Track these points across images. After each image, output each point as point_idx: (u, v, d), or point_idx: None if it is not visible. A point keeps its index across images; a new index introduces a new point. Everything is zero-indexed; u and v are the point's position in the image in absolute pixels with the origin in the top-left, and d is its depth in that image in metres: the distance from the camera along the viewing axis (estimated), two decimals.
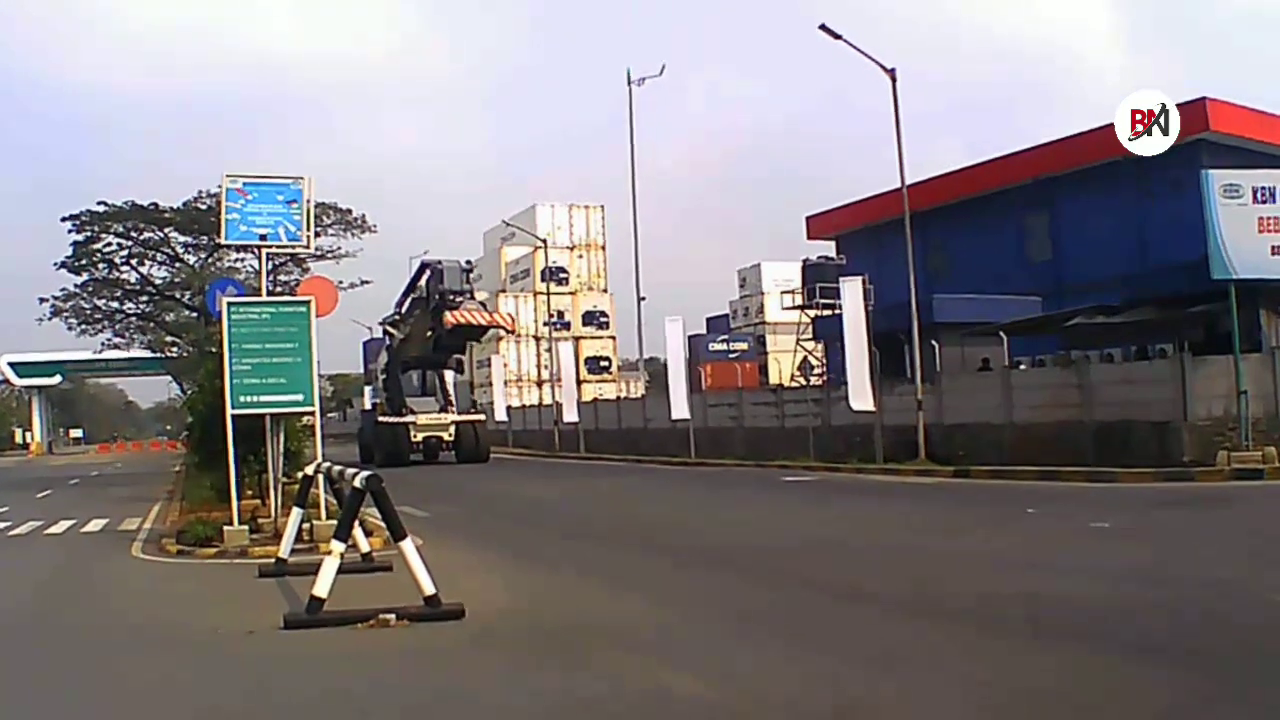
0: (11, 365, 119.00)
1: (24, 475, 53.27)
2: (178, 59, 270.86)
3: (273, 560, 14.25)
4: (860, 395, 30.52)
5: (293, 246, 20.46)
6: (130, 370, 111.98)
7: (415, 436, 45.95)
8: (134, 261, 43.92)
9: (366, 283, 49.46)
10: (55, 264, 42.77)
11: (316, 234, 39.91)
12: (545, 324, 67.49)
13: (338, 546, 10.48)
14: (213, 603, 12.46)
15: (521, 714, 7.41)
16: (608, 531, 18.94)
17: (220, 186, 18.30)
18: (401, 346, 48.02)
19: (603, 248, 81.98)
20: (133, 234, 42.57)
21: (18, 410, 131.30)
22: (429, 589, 10.36)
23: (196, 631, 10.51)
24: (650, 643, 9.37)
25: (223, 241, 20.25)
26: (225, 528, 16.97)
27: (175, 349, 48.00)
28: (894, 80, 30.82)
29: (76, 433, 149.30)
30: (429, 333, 45.97)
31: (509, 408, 61.91)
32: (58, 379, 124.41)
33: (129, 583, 14.64)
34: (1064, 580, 11.54)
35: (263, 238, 18.24)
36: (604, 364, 79.74)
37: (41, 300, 44.47)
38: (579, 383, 56.10)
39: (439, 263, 45.55)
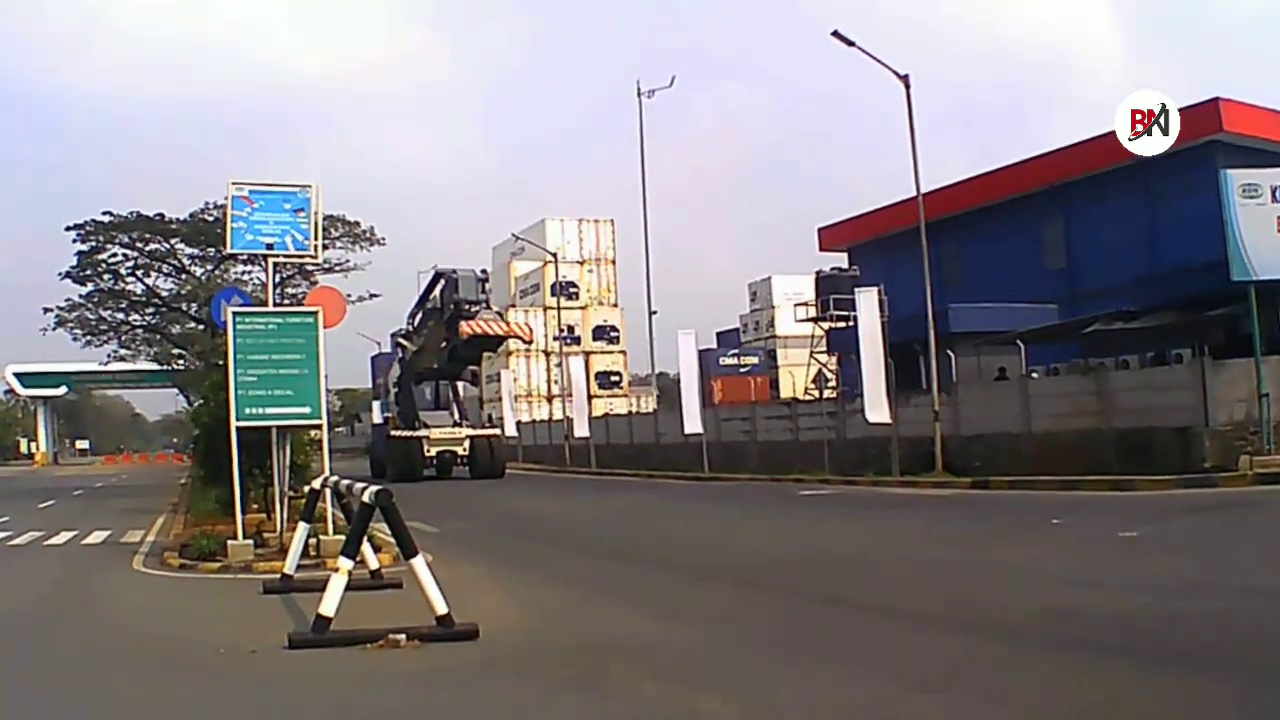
0: (17, 375, 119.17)
1: (27, 485, 53.00)
2: (181, 72, 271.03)
3: (278, 576, 13.81)
4: (877, 407, 30.08)
5: (300, 256, 20.06)
6: (137, 383, 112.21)
7: (428, 451, 44.94)
8: (140, 273, 43.53)
9: (375, 296, 48.89)
10: (60, 274, 42.46)
11: (325, 246, 39.73)
12: (555, 339, 67.07)
13: (345, 564, 9.98)
14: (215, 620, 11.98)
15: None
16: (623, 548, 18.37)
17: (227, 196, 17.89)
18: (414, 358, 47.19)
19: (613, 262, 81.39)
20: (138, 245, 42.20)
21: (23, 420, 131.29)
22: (441, 608, 9.88)
23: (197, 650, 10.06)
24: (675, 664, 8.85)
25: (228, 251, 19.76)
26: (229, 542, 16.53)
27: (182, 361, 47.57)
28: (908, 86, 30.44)
29: (83, 444, 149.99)
30: (443, 344, 45.06)
31: (519, 423, 61.29)
32: (64, 390, 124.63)
33: (128, 597, 14.19)
34: (1102, 593, 11.11)
35: (269, 247, 17.88)
36: (615, 379, 79.14)
37: (46, 310, 44.15)
38: (590, 398, 55.45)
39: (454, 271, 44.47)
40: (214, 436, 19.21)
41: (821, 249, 55.09)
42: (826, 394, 47.29)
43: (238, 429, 16.37)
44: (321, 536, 16.38)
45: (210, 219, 39.38)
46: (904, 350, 31.83)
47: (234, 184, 17.73)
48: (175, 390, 65.53)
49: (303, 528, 13.93)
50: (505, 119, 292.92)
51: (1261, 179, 24.30)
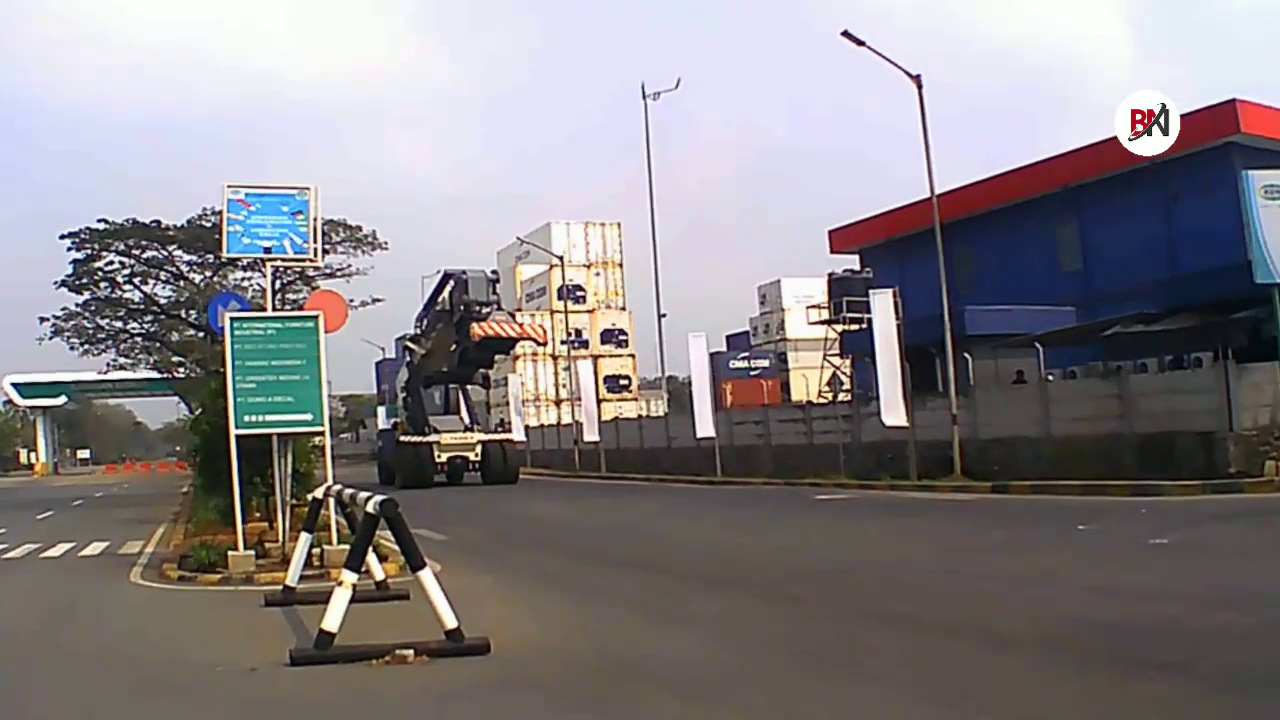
0: (15, 386, 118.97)
1: (26, 496, 52.36)
2: (181, 81, 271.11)
3: (279, 588, 13.27)
4: (893, 410, 29.58)
5: (299, 260, 19.54)
6: (138, 391, 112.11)
7: (439, 457, 43.72)
8: (137, 280, 43.20)
9: (378, 300, 48.74)
10: (55, 282, 42.16)
11: (326, 251, 39.43)
12: (563, 342, 66.58)
13: (349, 577, 9.44)
14: (213, 635, 11.48)
15: None
16: (639, 556, 17.74)
17: (223, 200, 17.39)
18: (423, 362, 46.12)
19: (620, 265, 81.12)
20: (134, 252, 41.82)
21: (23, 431, 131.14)
22: (450, 622, 9.35)
23: (193, 668, 9.57)
24: (704, 684, 8.28)
25: (225, 255, 19.30)
26: (230, 553, 16.00)
27: (182, 369, 47.14)
28: (920, 87, 30.03)
29: (84, 453, 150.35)
30: (453, 347, 44.07)
31: (527, 427, 60.71)
32: (63, 400, 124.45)
33: (125, 612, 13.67)
34: (1141, 604, 10.61)
35: (267, 250, 17.50)
36: (624, 382, 78.84)
37: (42, 320, 43.89)
38: (598, 402, 54.94)
39: (463, 273, 43.29)
40: (213, 445, 18.65)
41: (832, 251, 54.64)
42: (841, 397, 46.95)
43: (237, 437, 15.89)
44: (325, 546, 15.90)
45: (208, 225, 39.05)
46: (918, 353, 31.38)
47: (230, 187, 17.30)
48: (176, 398, 65.18)
49: (305, 538, 13.41)
50: (508, 125, 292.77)
51: None
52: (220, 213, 17.72)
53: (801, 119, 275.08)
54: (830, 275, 49.39)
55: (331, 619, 9.26)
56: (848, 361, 49.29)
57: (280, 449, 16.67)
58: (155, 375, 55.18)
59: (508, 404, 58.49)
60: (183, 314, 43.34)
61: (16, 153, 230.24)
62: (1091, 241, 41.52)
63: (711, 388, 41.64)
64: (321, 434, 17.30)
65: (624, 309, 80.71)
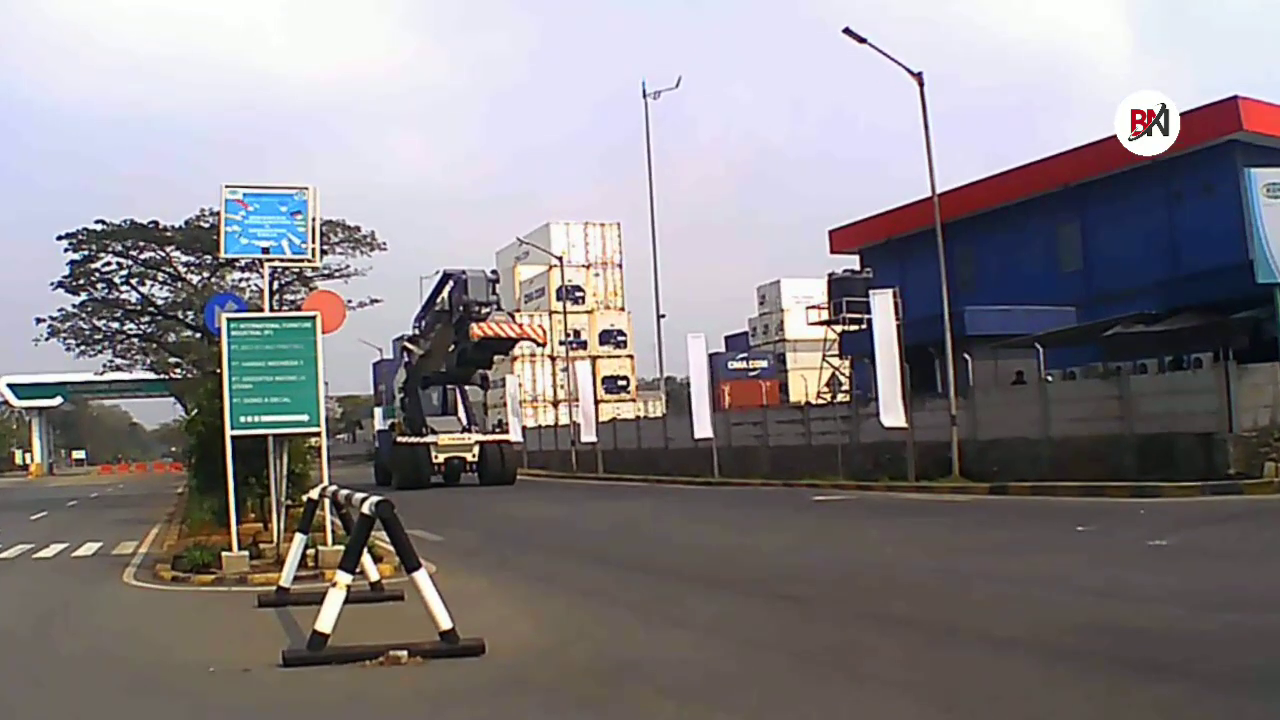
0: (11, 387, 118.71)
1: (21, 497, 52.07)
2: (179, 81, 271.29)
3: (273, 589, 13.14)
4: (892, 411, 29.46)
5: (297, 260, 19.38)
6: (134, 392, 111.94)
7: (436, 458, 43.60)
8: (134, 281, 42.97)
9: (376, 301, 48.32)
10: (52, 283, 41.94)
11: (324, 252, 39.18)
12: (561, 343, 66.43)
13: (343, 578, 9.32)
14: (206, 636, 11.34)
15: None
16: (637, 557, 17.64)
17: (221, 200, 17.27)
18: (421, 362, 45.87)
19: (619, 266, 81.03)
20: (132, 253, 41.63)
21: (18, 432, 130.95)
22: (445, 623, 9.23)
23: (186, 669, 9.43)
24: (702, 688, 8.16)
25: (223, 256, 19.18)
26: (224, 554, 15.86)
27: (179, 370, 46.92)
28: (921, 84, 29.89)
29: (79, 454, 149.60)
30: (451, 347, 43.87)
31: (524, 428, 60.54)
32: (59, 400, 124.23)
33: (117, 613, 13.56)
34: (1144, 606, 10.49)
35: (265, 251, 17.34)
36: (621, 383, 78.70)
37: (39, 320, 43.63)
38: (596, 402, 54.75)
39: (463, 272, 42.95)
40: (209, 445, 18.49)
41: (832, 251, 54.54)
42: (839, 398, 46.86)
43: (233, 437, 15.79)
44: (320, 547, 15.77)
45: (206, 225, 38.78)
46: (918, 353, 31.28)
47: (228, 187, 17.17)
48: (172, 399, 64.98)
49: (299, 538, 13.29)
50: (507, 124, 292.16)
51: None
52: (218, 213, 17.60)
53: (800, 119, 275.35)
54: (830, 275, 49.31)
55: (325, 620, 9.14)
56: (846, 362, 49.22)
57: (276, 450, 16.54)
58: (151, 376, 54.99)
59: (505, 405, 58.29)
60: (180, 315, 43.10)
61: (12, 154, 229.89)
62: (1092, 241, 41.39)
63: (710, 388, 41.48)
64: (318, 435, 17.19)
65: (623, 310, 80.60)
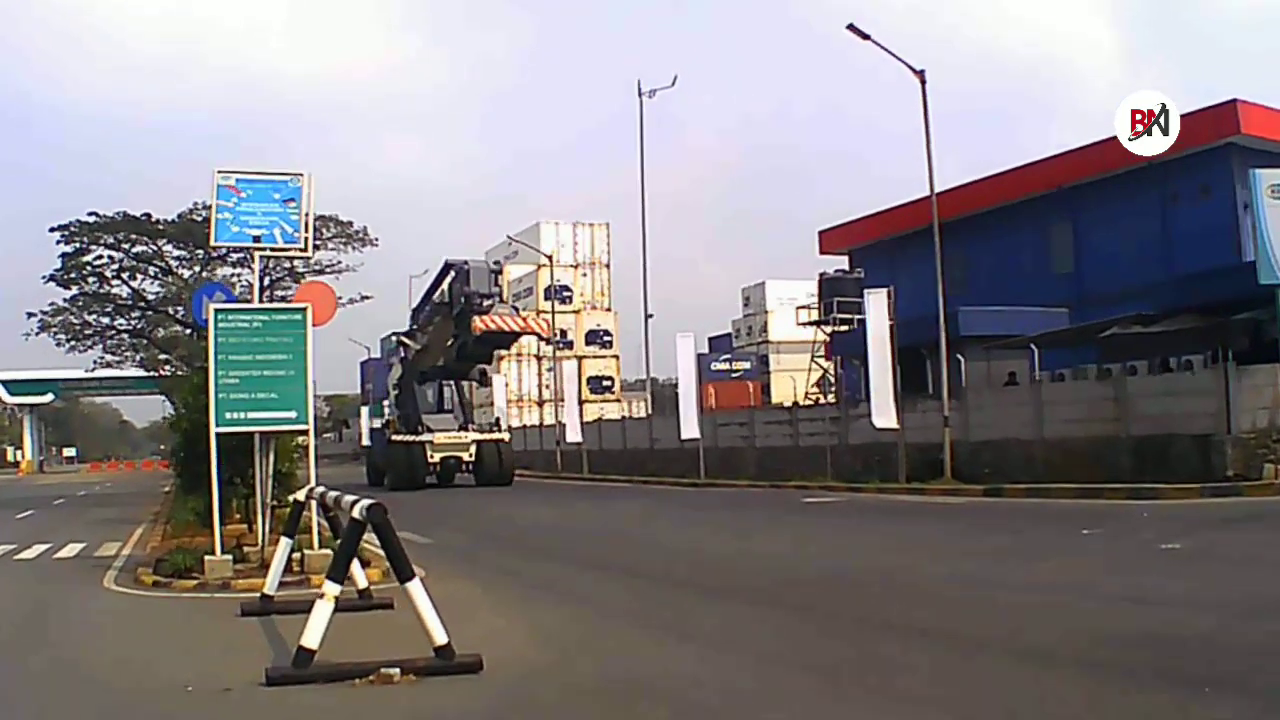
0: (3, 383, 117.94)
1: (9, 495, 51.26)
2: (176, 80, 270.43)
3: (257, 595, 12.59)
4: (884, 412, 29.19)
5: (289, 250, 18.87)
6: (125, 389, 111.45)
7: (432, 457, 42.21)
8: (125, 275, 42.53)
9: (367, 298, 47.87)
10: (43, 277, 41.50)
11: (316, 247, 38.84)
12: (548, 343, 65.97)
13: (331, 589, 8.77)
14: (185, 649, 10.72)
15: None
16: (635, 562, 17.04)
17: (212, 186, 16.77)
18: (418, 357, 44.46)
19: (607, 266, 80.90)
20: (124, 246, 41.21)
21: (10, 428, 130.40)
22: (440, 638, 8.68)
23: (162, 689, 8.83)
24: (722, 710, 7.65)
25: (213, 243, 18.68)
26: (207, 557, 15.27)
27: (169, 367, 46.41)
28: (923, 82, 29.63)
29: (70, 451, 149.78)
30: (450, 340, 42.31)
31: (509, 428, 60.04)
32: (50, 397, 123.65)
33: (93, 620, 13.00)
34: (1174, 614, 10.09)
35: (256, 239, 16.75)
36: (606, 384, 78.50)
37: (29, 315, 43.16)
38: (581, 403, 54.23)
39: (465, 263, 41.17)
40: (194, 443, 18.01)
41: (822, 252, 54.32)
42: (829, 398, 46.64)
43: (218, 435, 15.21)
44: (306, 551, 15.23)
45: (198, 219, 38.26)
46: (909, 354, 31.05)
47: (220, 172, 16.60)
48: (163, 396, 64.53)
49: (285, 543, 12.74)
50: (501, 125, 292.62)
51: None
52: (210, 207, 17.13)
53: (790, 121, 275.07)
54: (822, 275, 49.00)
55: (311, 635, 8.58)
56: (832, 364, 49.03)
57: (262, 448, 16.02)
58: (142, 373, 54.47)
59: (491, 404, 57.83)
60: (170, 310, 42.69)
61: (7, 147, 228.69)
62: (1084, 243, 41.24)
63: (696, 389, 41.11)
64: (305, 433, 16.62)
65: (609, 310, 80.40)
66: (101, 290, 42.78)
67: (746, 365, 70.00)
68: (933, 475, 28.09)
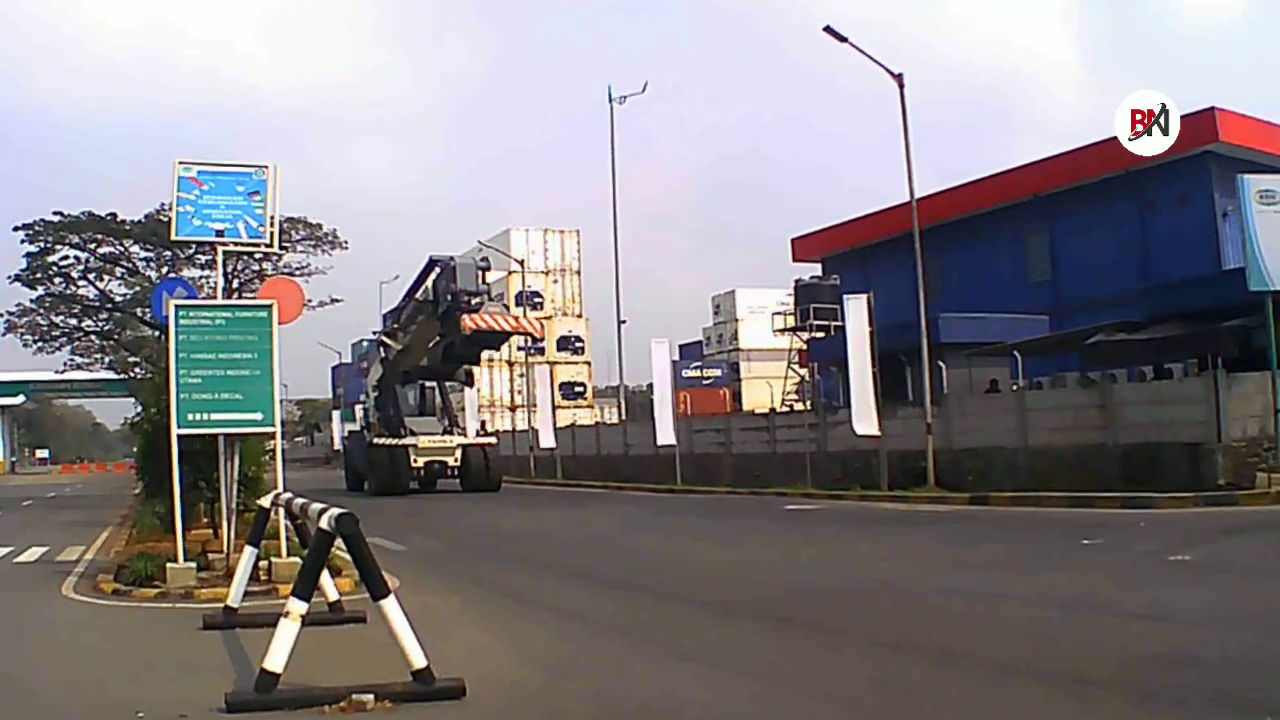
0: None
1: None
2: (148, 88, 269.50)
3: (220, 607, 11.80)
4: (864, 419, 28.72)
5: (254, 244, 18.11)
6: (96, 392, 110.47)
7: (416, 461, 40.69)
8: (92, 276, 41.75)
9: (337, 300, 46.85)
10: (9, 277, 40.68)
11: (285, 249, 38.13)
12: (519, 349, 65.35)
13: (297, 607, 7.89)
14: (141, 666, 9.86)
15: None
16: (618, 572, 16.39)
17: (173, 178, 16.07)
18: (399, 358, 42.97)
19: (578, 272, 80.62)
20: (89, 246, 40.45)
21: None
22: (419, 660, 7.89)
23: (112, 712, 8.06)
24: None
25: (174, 237, 17.96)
26: (169, 565, 14.49)
27: (138, 369, 45.62)
28: (901, 86, 29.10)
29: (43, 453, 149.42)
30: (435, 339, 40.83)
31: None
32: (21, 399, 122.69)
33: (46, 633, 12.14)
34: (1208, 632, 9.50)
35: (219, 233, 16.05)
36: (579, 389, 78.17)
37: None
38: (554, 408, 53.52)
39: (450, 259, 39.88)
40: (156, 445, 17.31)
41: (795, 259, 54.20)
42: (798, 407, 46.38)
43: (179, 437, 14.45)
44: (273, 558, 14.52)
45: (164, 219, 37.35)
46: (887, 361, 30.56)
47: (181, 163, 15.88)
48: (132, 399, 63.72)
49: (249, 552, 12.00)
50: (470, 133, 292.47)
51: (1278, 185, 23.20)
52: (172, 200, 16.41)
53: (760, 130, 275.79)
54: (797, 282, 48.74)
55: (275, 657, 7.74)
56: (809, 370, 48.78)
57: (227, 451, 15.26)
58: (112, 375, 53.61)
59: (464, 410, 57.16)
60: (138, 312, 41.88)
61: None
62: (1061, 251, 41.36)
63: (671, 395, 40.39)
64: (272, 435, 15.91)
65: (580, 316, 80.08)
66: (68, 291, 42.01)
67: (718, 372, 69.96)
68: (915, 482, 27.72)
